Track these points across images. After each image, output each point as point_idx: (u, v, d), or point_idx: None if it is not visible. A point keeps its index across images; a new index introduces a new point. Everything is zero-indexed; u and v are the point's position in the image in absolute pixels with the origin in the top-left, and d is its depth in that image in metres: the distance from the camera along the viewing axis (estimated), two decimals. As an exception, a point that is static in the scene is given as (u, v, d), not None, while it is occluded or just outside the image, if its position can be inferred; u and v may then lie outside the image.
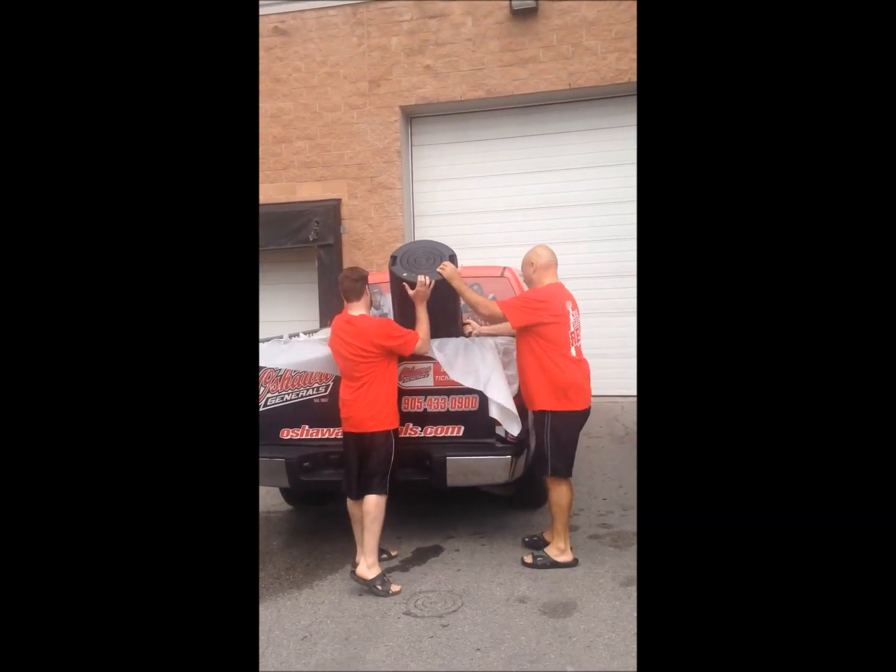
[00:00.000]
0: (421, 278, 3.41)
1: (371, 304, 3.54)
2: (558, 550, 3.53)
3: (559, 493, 3.50)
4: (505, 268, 4.94)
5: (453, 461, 3.43)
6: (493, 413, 3.39)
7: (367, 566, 3.30)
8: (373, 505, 3.32)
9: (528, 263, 3.64)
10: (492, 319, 3.67)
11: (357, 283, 3.42)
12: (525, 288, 4.76)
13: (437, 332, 3.53)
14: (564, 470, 3.48)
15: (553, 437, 3.42)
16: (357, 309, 3.42)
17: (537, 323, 3.38)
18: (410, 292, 3.43)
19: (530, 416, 3.64)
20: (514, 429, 3.43)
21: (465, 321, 3.99)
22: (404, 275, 3.50)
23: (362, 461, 3.38)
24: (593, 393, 3.58)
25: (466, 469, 3.44)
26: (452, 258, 3.61)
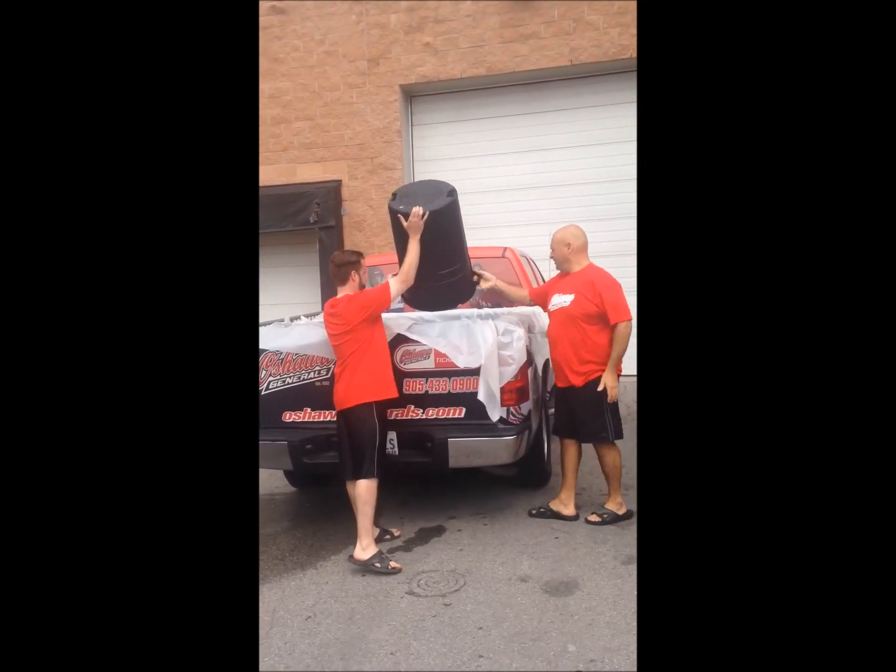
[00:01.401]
0: (415, 209, 3.40)
1: (362, 287, 3.52)
2: (617, 505, 3.83)
3: (614, 455, 3.78)
4: (506, 248, 4.92)
5: (455, 443, 3.45)
6: (481, 396, 3.40)
7: (362, 548, 3.34)
8: (363, 489, 3.35)
9: (563, 243, 3.78)
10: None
11: (341, 269, 3.43)
12: (527, 270, 4.77)
13: (441, 266, 3.53)
14: (621, 432, 3.75)
15: (612, 403, 3.65)
16: (344, 293, 3.45)
17: None
18: (404, 224, 3.43)
19: (554, 392, 3.87)
20: (495, 414, 3.46)
21: (477, 272, 3.95)
22: (400, 207, 3.50)
23: (351, 441, 3.40)
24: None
25: (468, 450, 3.45)
26: (452, 193, 3.62)
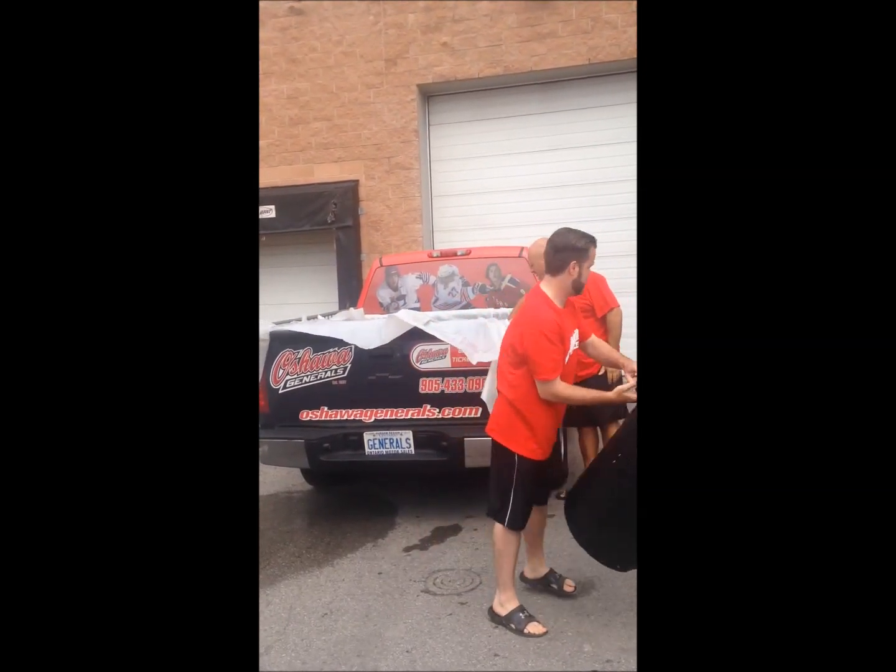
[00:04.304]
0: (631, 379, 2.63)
1: (577, 288, 2.66)
2: None
3: None
4: (523, 248, 4.91)
5: (471, 442, 3.44)
6: (484, 395, 3.40)
7: (500, 603, 2.82)
8: (495, 535, 2.79)
9: (540, 257, 3.79)
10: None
11: (557, 254, 2.57)
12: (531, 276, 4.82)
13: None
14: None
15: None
16: (547, 285, 2.65)
17: None
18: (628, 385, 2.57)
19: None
20: None
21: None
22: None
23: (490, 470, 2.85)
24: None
25: (484, 450, 3.42)
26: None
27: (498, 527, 2.78)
